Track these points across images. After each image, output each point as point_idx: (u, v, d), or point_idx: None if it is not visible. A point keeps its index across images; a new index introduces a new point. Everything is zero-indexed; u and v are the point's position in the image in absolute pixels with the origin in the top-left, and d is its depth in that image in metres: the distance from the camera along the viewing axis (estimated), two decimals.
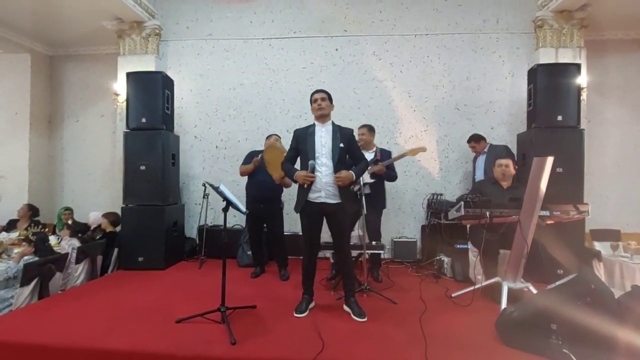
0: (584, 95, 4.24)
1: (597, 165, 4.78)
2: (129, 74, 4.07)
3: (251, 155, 3.76)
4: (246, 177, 3.80)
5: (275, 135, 3.79)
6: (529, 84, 3.86)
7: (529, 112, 3.86)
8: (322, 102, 2.58)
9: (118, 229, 4.22)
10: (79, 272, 3.46)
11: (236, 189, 4.76)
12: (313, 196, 2.53)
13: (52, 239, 3.75)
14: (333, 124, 2.65)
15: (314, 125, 2.66)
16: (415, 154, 3.49)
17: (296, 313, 2.58)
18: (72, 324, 2.39)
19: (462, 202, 2.64)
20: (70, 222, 3.77)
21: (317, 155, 2.54)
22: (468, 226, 3.55)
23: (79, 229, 3.83)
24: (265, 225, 3.76)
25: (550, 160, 2.37)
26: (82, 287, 3.37)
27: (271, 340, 2.19)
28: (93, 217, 4.24)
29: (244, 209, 2.45)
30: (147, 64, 4.68)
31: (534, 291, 2.61)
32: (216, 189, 2.38)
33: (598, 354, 1.79)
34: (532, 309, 2.10)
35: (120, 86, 4.69)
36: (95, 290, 3.18)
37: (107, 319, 2.48)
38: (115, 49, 5.02)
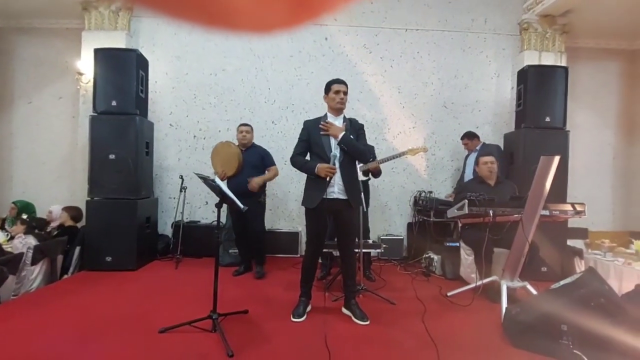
0: None
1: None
2: (97, 51, 3.60)
3: None
4: None
5: (242, 125, 3.58)
6: (518, 84, 3.91)
7: (518, 112, 3.92)
8: (344, 96, 2.44)
9: (79, 225, 3.78)
10: (35, 274, 3.02)
11: None
12: (328, 191, 2.35)
13: (1, 236, 3.27)
14: (344, 116, 2.52)
15: (326, 116, 2.49)
16: (415, 154, 3.39)
17: (294, 317, 2.40)
18: (34, 337, 2.05)
19: (466, 201, 2.58)
20: (25, 216, 3.28)
21: (332, 148, 2.39)
22: (459, 225, 3.55)
23: (36, 225, 3.35)
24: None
25: (556, 159, 2.36)
26: (40, 291, 2.95)
27: (272, 349, 2.00)
28: (55, 211, 3.74)
29: (241, 205, 2.20)
30: (116, 41, 4.18)
31: (532, 290, 2.62)
32: (210, 183, 2.12)
33: (612, 356, 1.78)
34: (541, 310, 2.08)
35: (84, 65, 4.18)
36: (58, 295, 2.79)
37: (77, 329, 2.15)
38: (78, 24, 4.48)
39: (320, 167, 2.34)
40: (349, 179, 2.40)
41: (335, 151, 2.38)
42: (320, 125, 2.43)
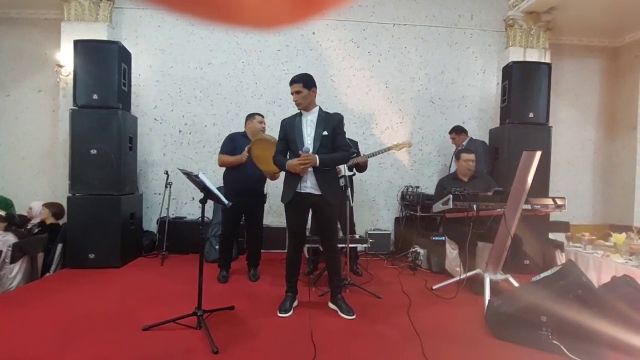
0: None
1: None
2: (77, 42, 3.49)
3: (232, 140, 3.19)
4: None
5: (259, 115, 3.25)
6: (503, 80, 3.96)
7: (502, 108, 3.97)
8: (296, 96, 2.39)
9: (61, 222, 3.69)
10: (14, 273, 2.94)
11: None
12: (301, 186, 2.37)
13: None
14: (320, 110, 2.48)
15: (300, 113, 2.48)
16: (400, 149, 3.41)
17: (280, 312, 2.41)
18: (14, 337, 2.00)
19: (451, 196, 2.62)
20: (3, 213, 3.17)
21: (304, 143, 2.38)
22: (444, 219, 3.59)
23: (15, 222, 3.25)
24: (244, 218, 3.31)
25: (538, 155, 2.40)
26: (20, 290, 2.87)
27: (258, 345, 1.99)
28: (36, 207, 3.64)
29: (226, 200, 2.18)
30: (97, 33, 4.07)
31: (514, 283, 2.68)
32: (194, 178, 2.09)
33: (588, 345, 1.84)
34: (522, 302, 2.12)
35: (64, 57, 4.05)
36: (39, 294, 2.72)
37: (59, 328, 2.11)
38: (57, 14, 4.33)
39: (290, 164, 2.33)
40: (322, 175, 2.37)
41: (309, 146, 2.35)
42: (299, 163, 2.31)
